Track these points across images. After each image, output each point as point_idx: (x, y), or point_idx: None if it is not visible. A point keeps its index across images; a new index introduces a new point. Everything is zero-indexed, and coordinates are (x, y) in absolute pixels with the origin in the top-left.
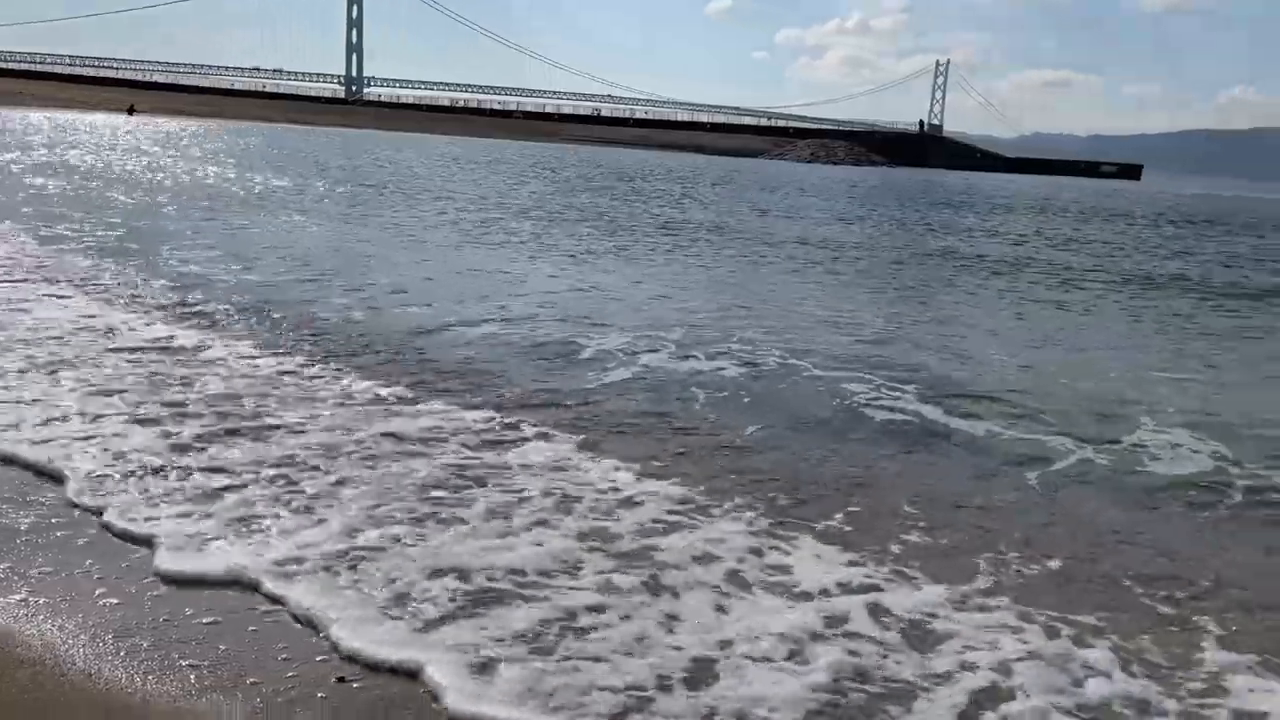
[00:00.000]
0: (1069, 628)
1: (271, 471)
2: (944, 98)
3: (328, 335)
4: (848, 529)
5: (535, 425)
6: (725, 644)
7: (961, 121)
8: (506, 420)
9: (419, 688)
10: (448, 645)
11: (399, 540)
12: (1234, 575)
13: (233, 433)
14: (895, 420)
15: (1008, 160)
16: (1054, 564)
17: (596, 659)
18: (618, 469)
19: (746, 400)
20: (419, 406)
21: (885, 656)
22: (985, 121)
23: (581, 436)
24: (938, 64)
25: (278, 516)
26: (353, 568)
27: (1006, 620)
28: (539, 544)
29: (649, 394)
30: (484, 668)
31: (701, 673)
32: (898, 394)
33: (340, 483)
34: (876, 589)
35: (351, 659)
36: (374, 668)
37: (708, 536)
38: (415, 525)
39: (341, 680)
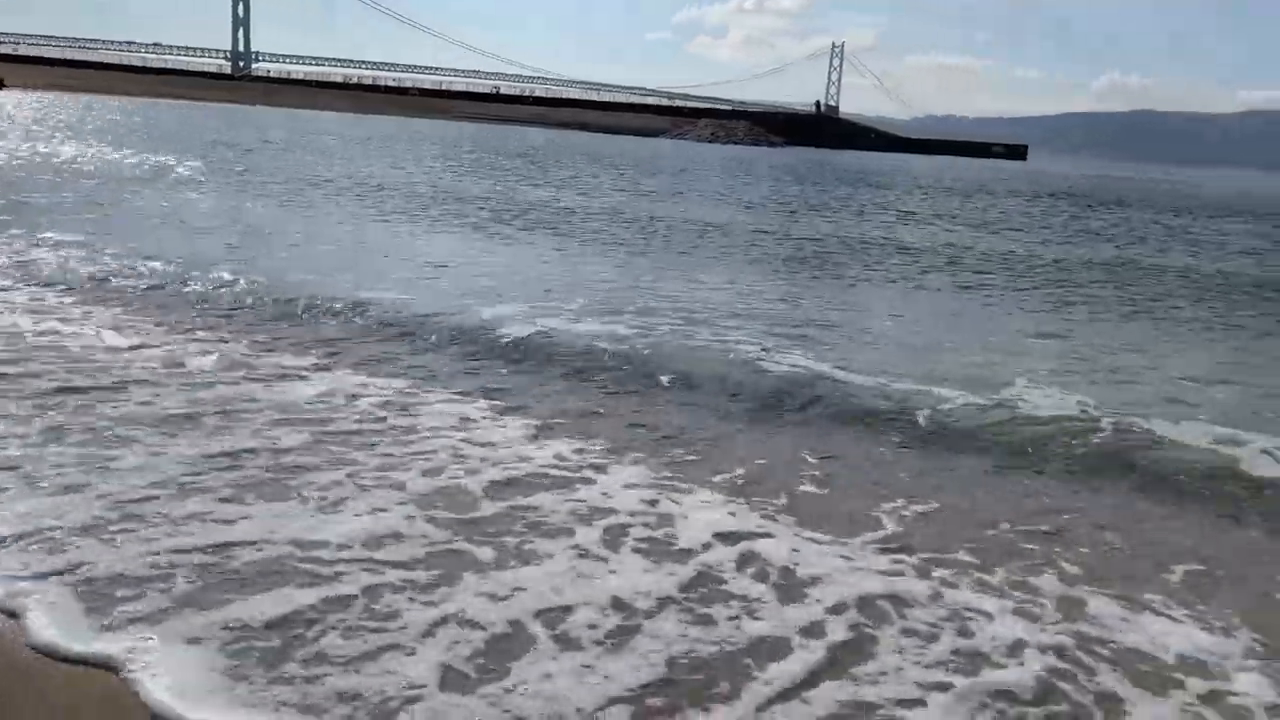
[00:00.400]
0: (943, 569)
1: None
2: (840, 79)
3: (204, 304)
4: (739, 482)
5: (439, 389)
6: (560, 610)
7: (857, 103)
8: (412, 386)
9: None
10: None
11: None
12: (1099, 515)
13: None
14: (786, 380)
15: (901, 140)
16: (932, 508)
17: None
18: (516, 428)
19: (644, 363)
20: (317, 374)
21: (752, 607)
22: (879, 103)
23: (492, 401)
24: (834, 46)
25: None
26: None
27: (881, 564)
28: (383, 510)
29: (547, 357)
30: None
31: (505, 650)
32: (789, 356)
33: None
34: (759, 537)
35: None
36: (70, 660)
37: (601, 492)
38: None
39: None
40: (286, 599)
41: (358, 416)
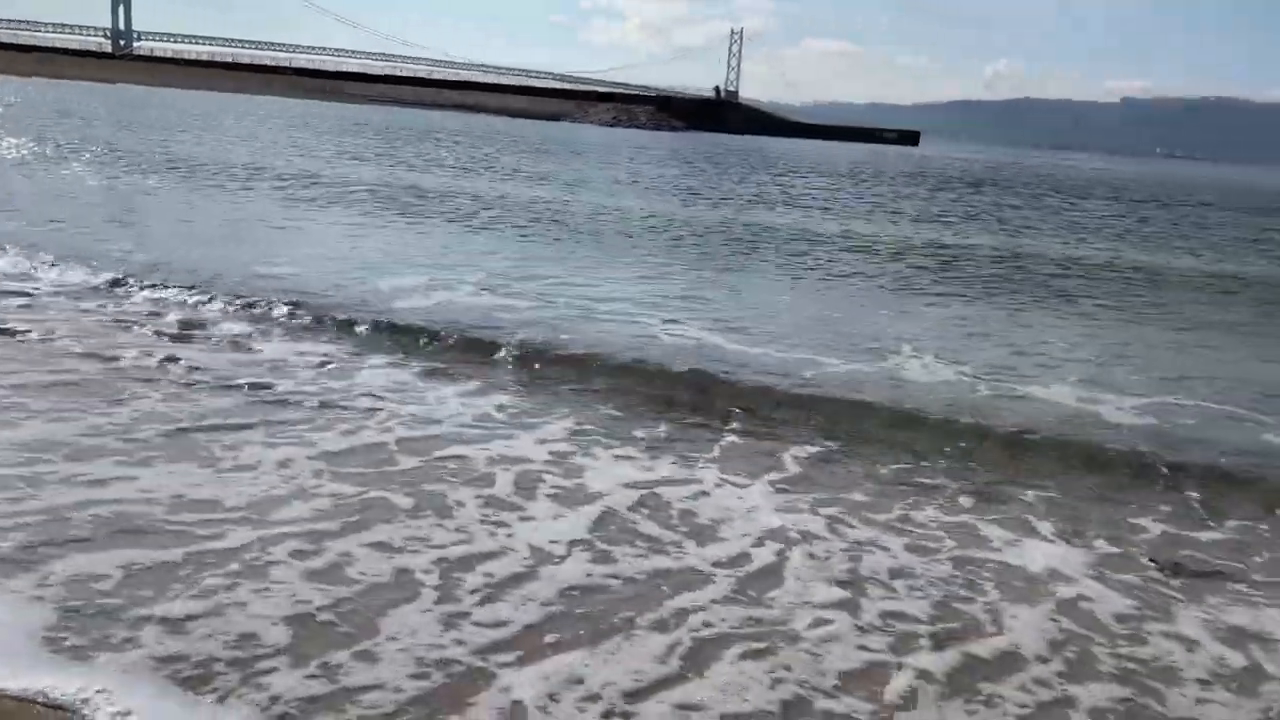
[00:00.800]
0: (836, 507)
1: None
2: (739, 65)
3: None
4: (651, 437)
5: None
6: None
7: (754, 89)
8: (341, 350)
9: None
10: None
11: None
12: (979, 457)
13: None
14: (686, 346)
15: (798, 126)
16: (827, 450)
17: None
18: (443, 387)
19: (550, 329)
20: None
21: (660, 545)
22: (777, 89)
23: (419, 365)
24: (732, 32)
25: None
26: None
27: (778, 504)
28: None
29: (459, 323)
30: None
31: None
32: (686, 327)
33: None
34: (668, 484)
35: None
36: None
37: (520, 445)
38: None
39: None
40: (134, 557)
41: (289, 384)
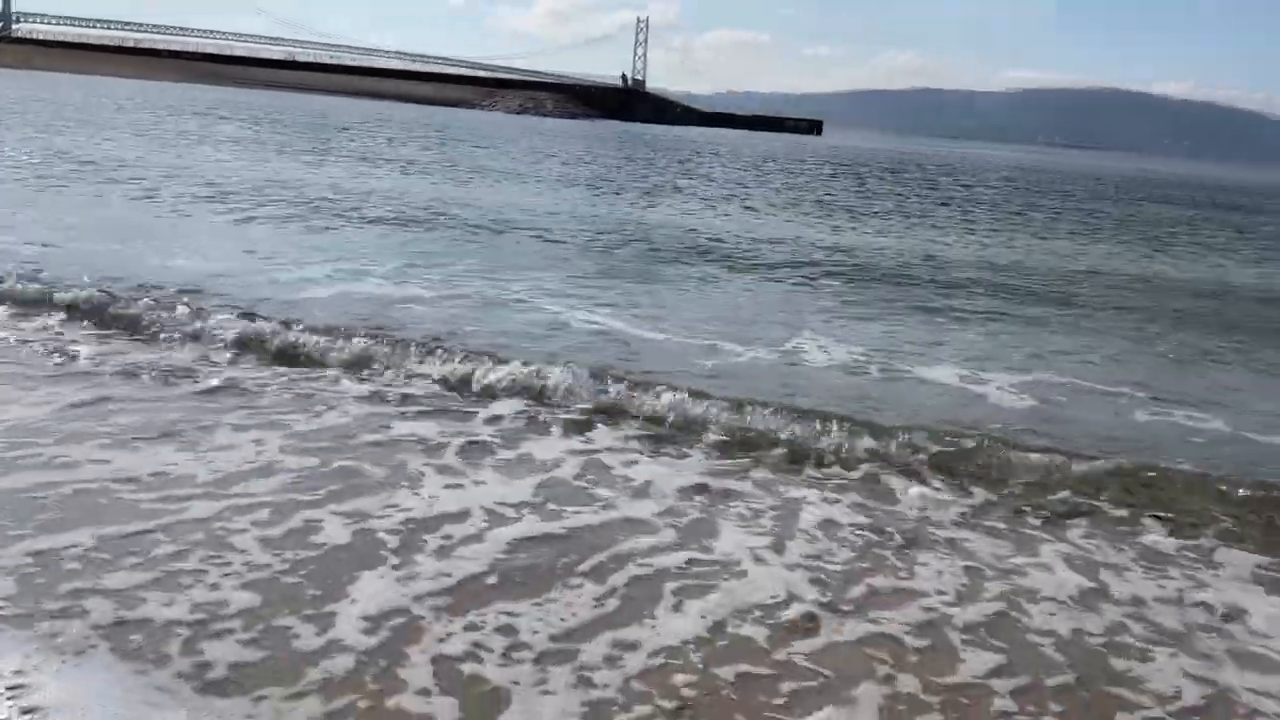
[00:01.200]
0: (764, 468)
1: None
2: (645, 54)
3: None
4: (587, 409)
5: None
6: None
7: (663, 78)
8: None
9: None
10: None
11: None
12: (878, 419)
13: None
14: (599, 332)
15: (705, 115)
16: (744, 425)
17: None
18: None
19: (465, 316)
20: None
21: (596, 504)
22: (684, 78)
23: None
24: (638, 20)
25: None
26: None
27: (709, 466)
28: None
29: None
30: None
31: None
32: (595, 314)
33: None
34: (605, 452)
35: None
36: None
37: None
38: None
39: None
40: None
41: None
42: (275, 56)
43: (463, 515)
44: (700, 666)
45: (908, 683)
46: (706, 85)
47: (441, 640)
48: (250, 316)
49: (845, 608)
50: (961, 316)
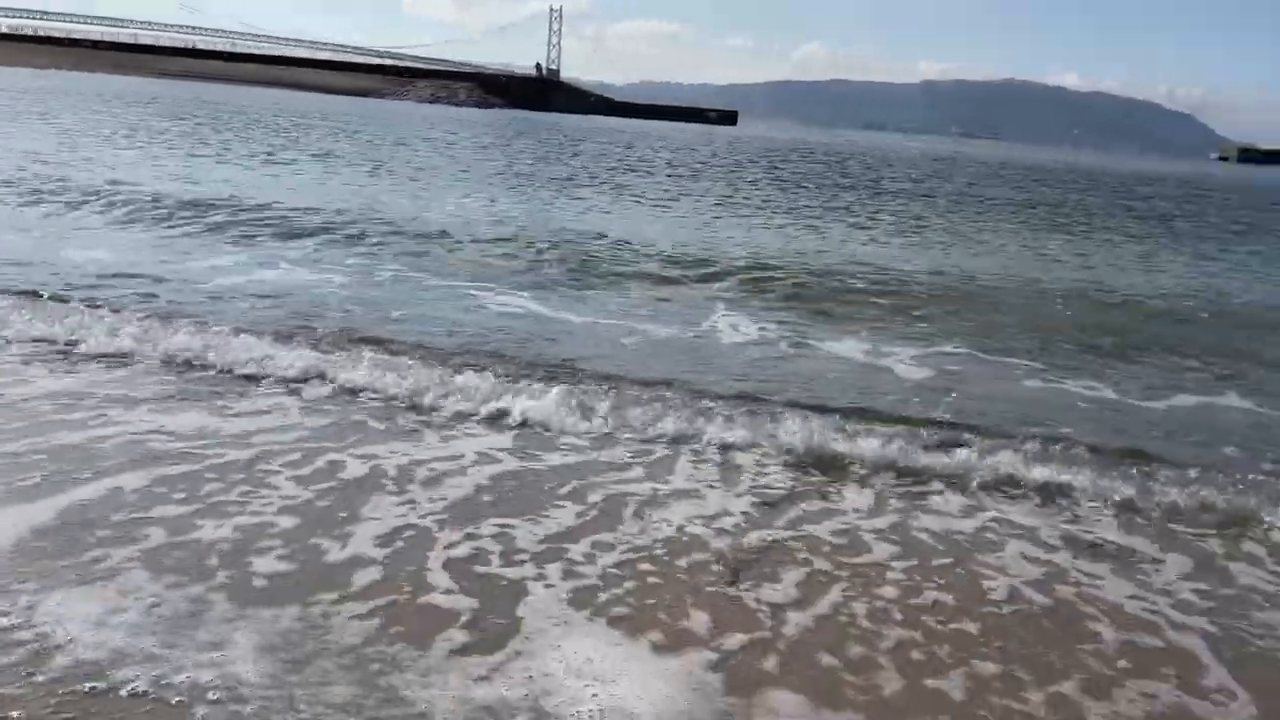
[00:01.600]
0: (632, 434)
1: None
2: (559, 43)
3: None
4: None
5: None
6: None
7: (578, 68)
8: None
9: None
10: None
11: None
12: (769, 388)
13: None
14: (510, 311)
15: (620, 105)
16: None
17: None
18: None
19: (373, 293)
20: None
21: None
22: (600, 68)
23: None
24: (551, 9)
25: None
26: None
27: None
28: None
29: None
30: None
31: None
32: (510, 295)
33: None
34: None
35: None
36: None
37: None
38: None
39: None
40: None
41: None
42: (177, 45)
43: (457, 457)
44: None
45: (823, 563)
46: (623, 76)
47: (449, 547)
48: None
49: (778, 521)
50: (856, 303)
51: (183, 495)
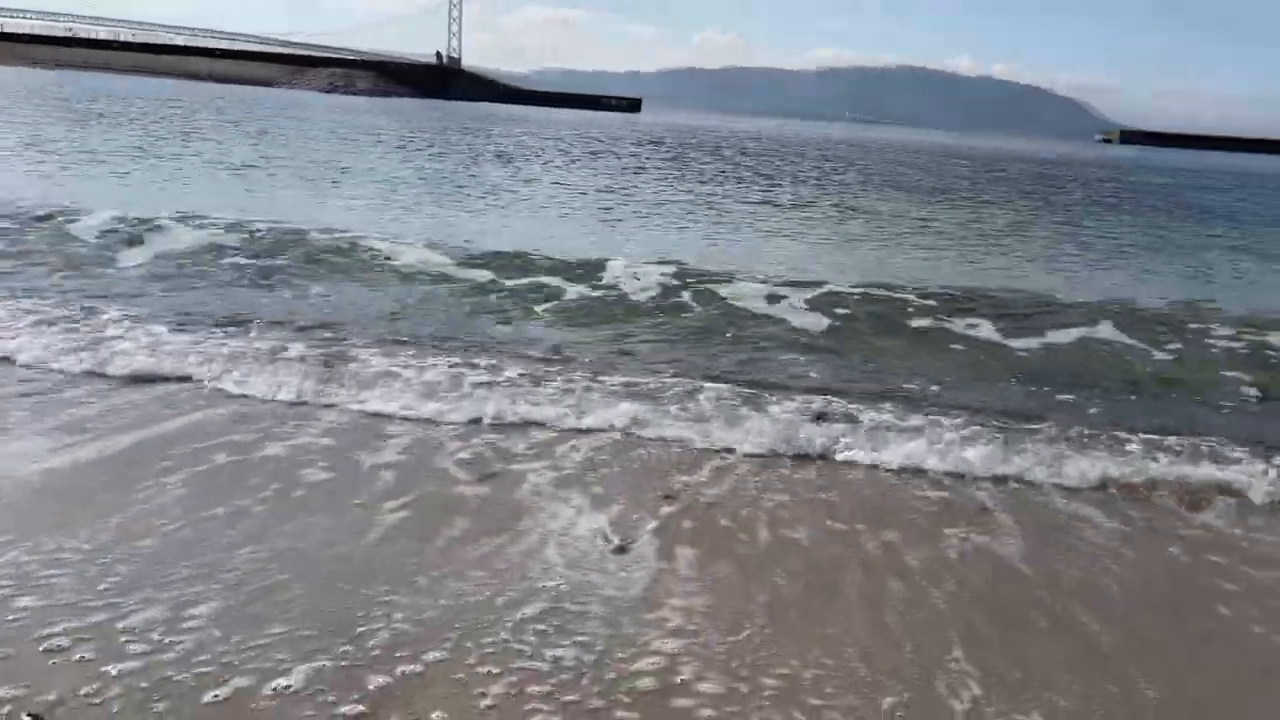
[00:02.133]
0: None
1: None
2: (460, 31)
3: None
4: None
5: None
6: None
7: (481, 56)
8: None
9: None
10: None
11: None
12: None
13: None
14: (429, 273)
15: (522, 93)
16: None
17: None
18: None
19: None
20: None
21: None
22: (503, 56)
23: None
24: None
25: None
26: None
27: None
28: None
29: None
30: None
31: None
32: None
33: None
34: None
35: None
36: None
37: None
38: None
39: None
40: None
41: None
42: (55, 34)
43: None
44: None
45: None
46: (526, 64)
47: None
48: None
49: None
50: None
51: None
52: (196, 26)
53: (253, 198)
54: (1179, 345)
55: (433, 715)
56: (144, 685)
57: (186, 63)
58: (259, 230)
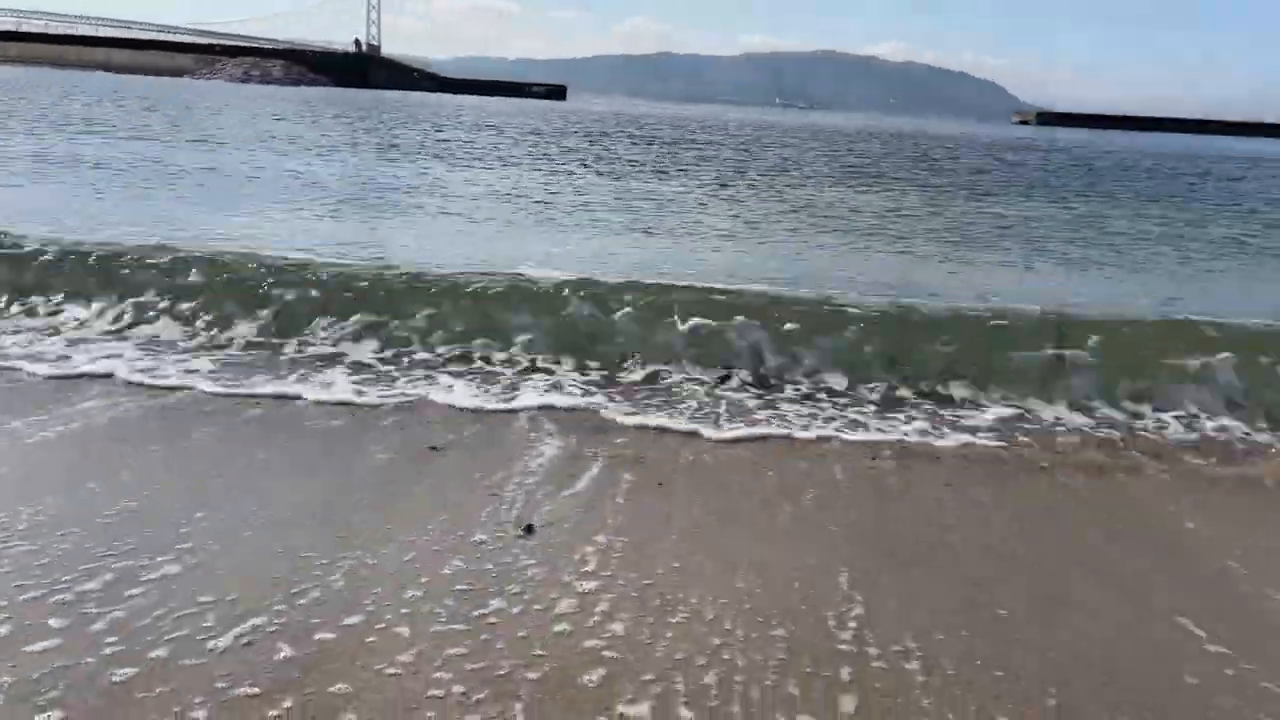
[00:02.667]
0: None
1: None
2: (379, 18)
3: None
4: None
5: None
6: None
7: (403, 44)
8: None
9: None
10: None
11: None
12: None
13: None
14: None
15: (445, 80)
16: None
17: None
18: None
19: None
20: None
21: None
22: (427, 44)
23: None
24: None
25: None
26: None
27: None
28: None
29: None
30: None
31: None
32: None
33: None
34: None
35: None
36: None
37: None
38: None
39: None
40: None
41: None
42: None
43: None
44: None
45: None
46: (451, 50)
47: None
48: None
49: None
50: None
51: None
52: (103, 16)
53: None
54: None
55: (338, 685)
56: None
57: (90, 54)
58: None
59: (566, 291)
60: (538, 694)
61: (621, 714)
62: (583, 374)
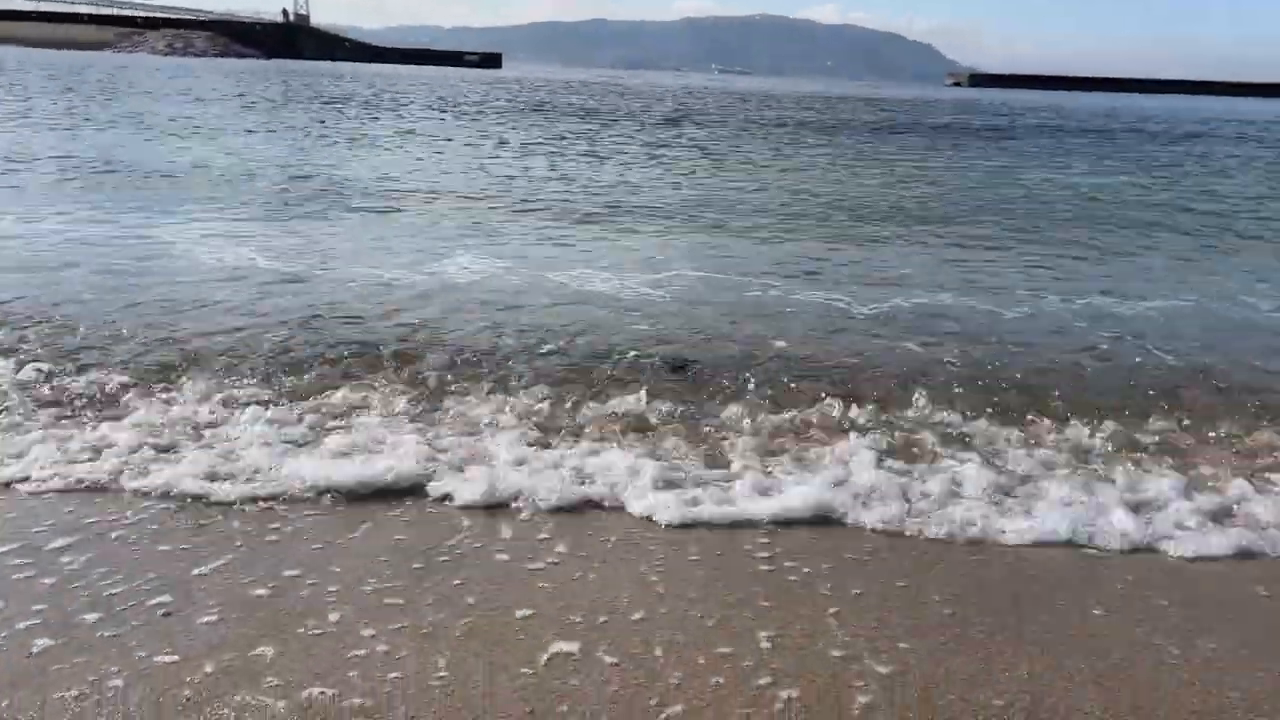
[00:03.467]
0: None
1: None
2: None
3: None
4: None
5: None
6: None
7: (335, 13)
8: None
9: None
10: None
11: None
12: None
13: None
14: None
15: (377, 50)
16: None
17: None
18: None
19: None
20: None
21: None
22: (359, 13)
23: None
24: None
25: None
26: None
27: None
28: None
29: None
30: None
31: None
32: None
33: None
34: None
35: None
36: None
37: None
38: None
39: None
40: None
41: None
42: None
43: None
44: None
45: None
46: (382, 20)
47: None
48: None
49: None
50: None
51: None
52: None
53: None
54: None
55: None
56: None
57: (9, 27)
58: None
59: None
60: None
61: None
62: None
